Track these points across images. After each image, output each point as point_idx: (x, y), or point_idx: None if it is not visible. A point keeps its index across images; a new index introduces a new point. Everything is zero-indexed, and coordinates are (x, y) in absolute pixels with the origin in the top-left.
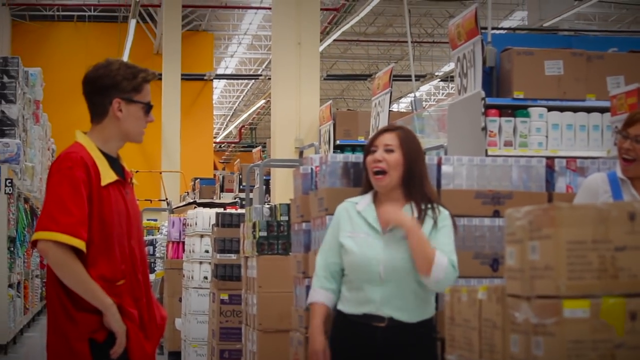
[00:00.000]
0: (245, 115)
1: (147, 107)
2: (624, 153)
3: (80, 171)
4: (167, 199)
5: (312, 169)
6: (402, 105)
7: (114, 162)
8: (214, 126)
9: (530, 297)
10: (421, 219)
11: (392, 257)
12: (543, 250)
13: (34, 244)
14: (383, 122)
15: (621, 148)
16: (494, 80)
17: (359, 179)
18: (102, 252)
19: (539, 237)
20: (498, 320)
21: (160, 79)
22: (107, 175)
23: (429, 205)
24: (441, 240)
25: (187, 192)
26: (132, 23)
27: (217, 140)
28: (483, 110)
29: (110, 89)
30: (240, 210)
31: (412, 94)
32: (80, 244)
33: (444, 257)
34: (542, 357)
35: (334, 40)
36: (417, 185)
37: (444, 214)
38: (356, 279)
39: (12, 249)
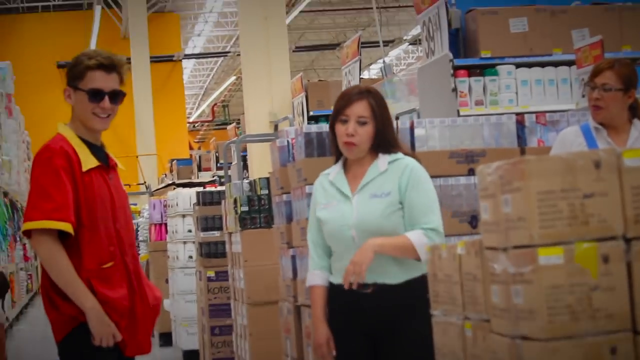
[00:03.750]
0: (216, 93)
1: (91, 94)
2: (594, 102)
3: (60, 159)
4: (145, 182)
5: (288, 141)
6: (373, 71)
7: (97, 149)
8: (187, 106)
9: (507, 248)
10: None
11: (362, 220)
12: (515, 202)
13: (27, 235)
14: None
15: (591, 98)
16: (461, 42)
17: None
18: (88, 236)
19: (511, 190)
20: (478, 273)
21: (129, 62)
22: (88, 161)
23: (395, 157)
24: (417, 201)
25: (165, 174)
26: (97, 9)
27: (191, 120)
28: (452, 71)
29: (67, 79)
30: (220, 188)
31: (382, 60)
32: (66, 227)
33: (419, 234)
34: (522, 304)
35: (300, 11)
36: (388, 147)
37: (415, 170)
38: (336, 248)
39: None
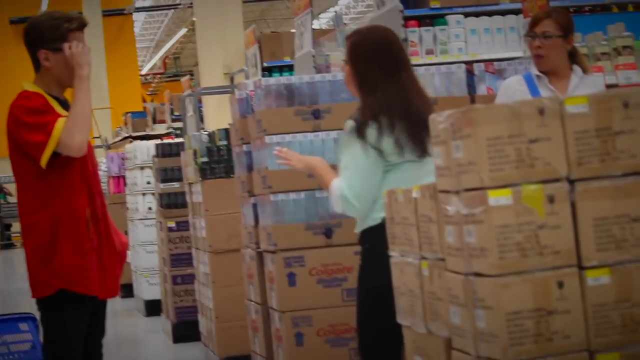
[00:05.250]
0: (168, 46)
1: None
2: (535, 51)
3: (39, 99)
4: (100, 135)
5: (247, 93)
6: (323, 20)
7: (64, 104)
8: (139, 59)
9: (459, 191)
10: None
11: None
12: (465, 148)
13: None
14: (307, 42)
15: (532, 47)
16: None
17: (292, 100)
18: (65, 185)
19: (461, 137)
20: (433, 215)
21: (85, 24)
22: (62, 114)
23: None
24: (340, 164)
25: (120, 127)
26: None
27: (143, 72)
28: (402, 22)
29: (36, 42)
30: (178, 140)
31: (332, 9)
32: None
33: (337, 188)
34: (474, 243)
35: None
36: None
37: (344, 129)
38: None
39: None
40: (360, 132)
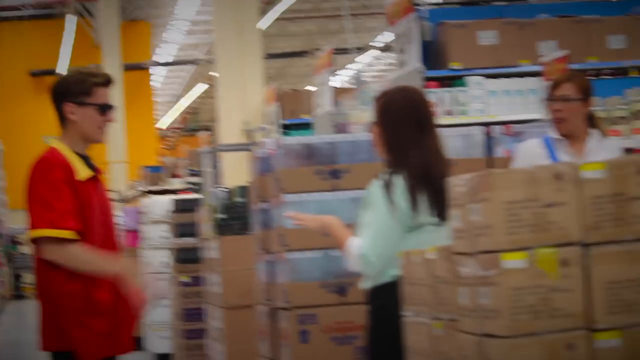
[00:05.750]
0: (187, 101)
1: (102, 108)
2: (555, 114)
3: (59, 171)
4: (117, 190)
5: (266, 152)
6: (341, 78)
7: (87, 160)
8: (158, 113)
9: (474, 253)
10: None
11: None
12: (482, 211)
13: (34, 243)
14: (326, 100)
15: (552, 110)
16: (432, 54)
17: (312, 159)
18: (85, 240)
19: (478, 200)
20: (447, 276)
21: (111, 81)
22: (83, 172)
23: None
24: (363, 222)
25: (135, 181)
26: (70, 18)
27: (161, 127)
28: (423, 83)
29: (62, 95)
30: (194, 195)
31: (351, 66)
32: (68, 234)
33: (357, 246)
34: (487, 304)
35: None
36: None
37: (370, 189)
38: None
39: None
40: (387, 191)
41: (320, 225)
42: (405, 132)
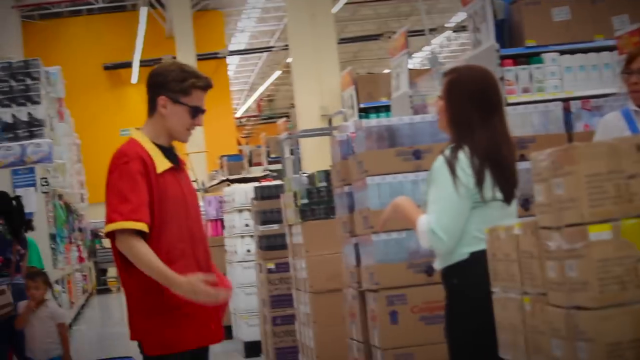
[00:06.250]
0: (262, 88)
1: (194, 111)
2: (632, 86)
3: (136, 164)
4: (196, 179)
5: (347, 135)
6: (417, 59)
7: (168, 151)
8: (233, 102)
9: (560, 227)
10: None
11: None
12: (566, 185)
13: (109, 237)
14: (403, 82)
15: (629, 84)
16: (506, 32)
17: (393, 140)
18: (160, 233)
19: (562, 174)
20: (534, 251)
21: (210, 87)
22: (162, 164)
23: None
24: (429, 199)
25: (216, 171)
26: (142, 10)
27: (237, 115)
28: (498, 61)
29: (160, 87)
30: (275, 182)
31: (426, 48)
32: (142, 226)
33: (425, 223)
34: (575, 277)
35: (344, 3)
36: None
37: (434, 165)
38: None
39: (53, 246)
40: (451, 167)
41: (392, 209)
42: (471, 110)
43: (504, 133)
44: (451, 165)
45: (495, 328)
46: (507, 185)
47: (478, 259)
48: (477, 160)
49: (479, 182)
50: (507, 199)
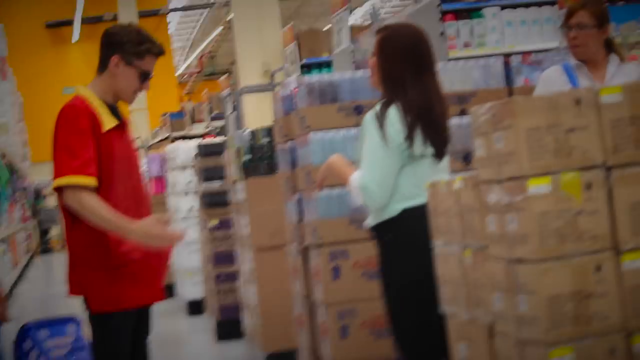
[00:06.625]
0: (204, 45)
1: (144, 75)
2: (572, 41)
3: (85, 120)
4: (139, 137)
5: (290, 91)
6: (357, 14)
7: (114, 109)
8: (174, 59)
9: (500, 181)
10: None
11: None
12: (506, 139)
13: (57, 191)
14: (345, 38)
15: (568, 38)
16: None
17: (334, 96)
18: (106, 191)
19: (502, 128)
20: (475, 205)
21: (163, 53)
22: (109, 121)
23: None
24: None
25: (158, 128)
26: None
27: (179, 72)
28: (440, 16)
29: (115, 46)
30: (218, 139)
31: (368, 3)
32: (91, 181)
33: (358, 178)
34: (515, 230)
35: None
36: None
37: (364, 120)
38: None
39: None
40: (381, 123)
41: (326, 168)
42: (404, 67)
43: (436, 90)
44: (380, 120)
45: (432, 283)
46: (439, 141)
47: (410, 215)
48: (409, 117)
49: (410, 137)
50: (439, 155)
